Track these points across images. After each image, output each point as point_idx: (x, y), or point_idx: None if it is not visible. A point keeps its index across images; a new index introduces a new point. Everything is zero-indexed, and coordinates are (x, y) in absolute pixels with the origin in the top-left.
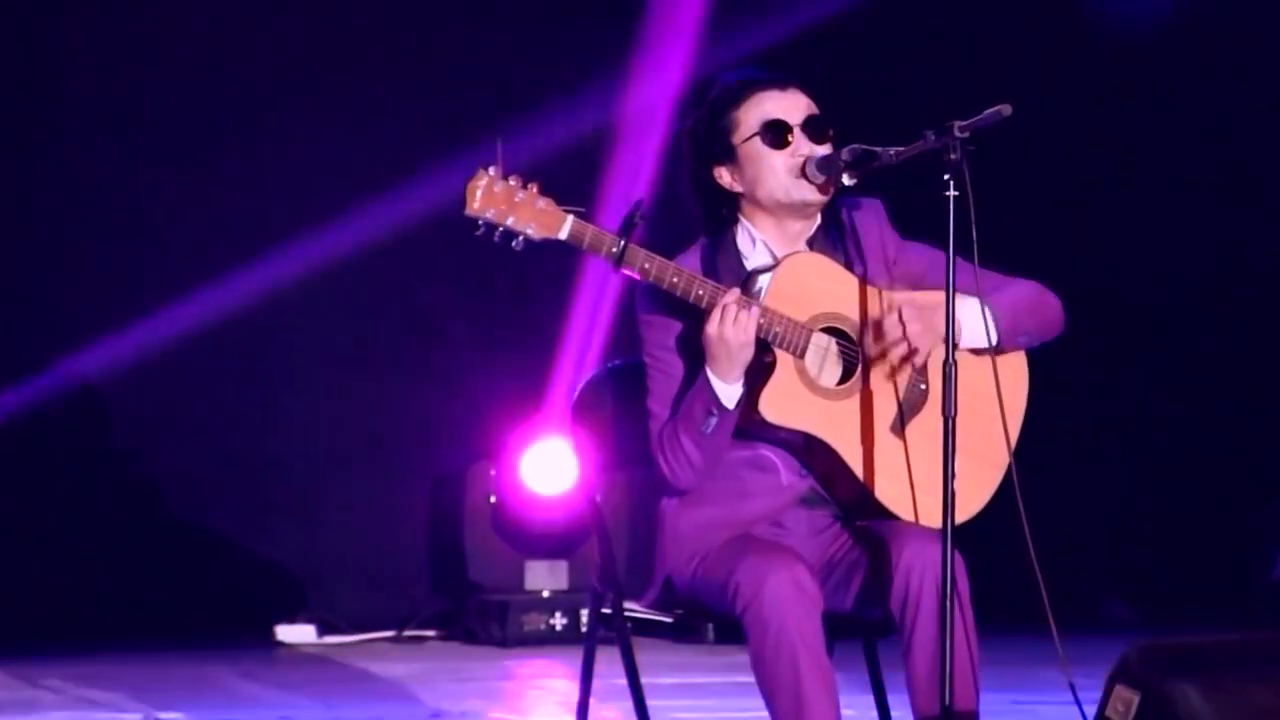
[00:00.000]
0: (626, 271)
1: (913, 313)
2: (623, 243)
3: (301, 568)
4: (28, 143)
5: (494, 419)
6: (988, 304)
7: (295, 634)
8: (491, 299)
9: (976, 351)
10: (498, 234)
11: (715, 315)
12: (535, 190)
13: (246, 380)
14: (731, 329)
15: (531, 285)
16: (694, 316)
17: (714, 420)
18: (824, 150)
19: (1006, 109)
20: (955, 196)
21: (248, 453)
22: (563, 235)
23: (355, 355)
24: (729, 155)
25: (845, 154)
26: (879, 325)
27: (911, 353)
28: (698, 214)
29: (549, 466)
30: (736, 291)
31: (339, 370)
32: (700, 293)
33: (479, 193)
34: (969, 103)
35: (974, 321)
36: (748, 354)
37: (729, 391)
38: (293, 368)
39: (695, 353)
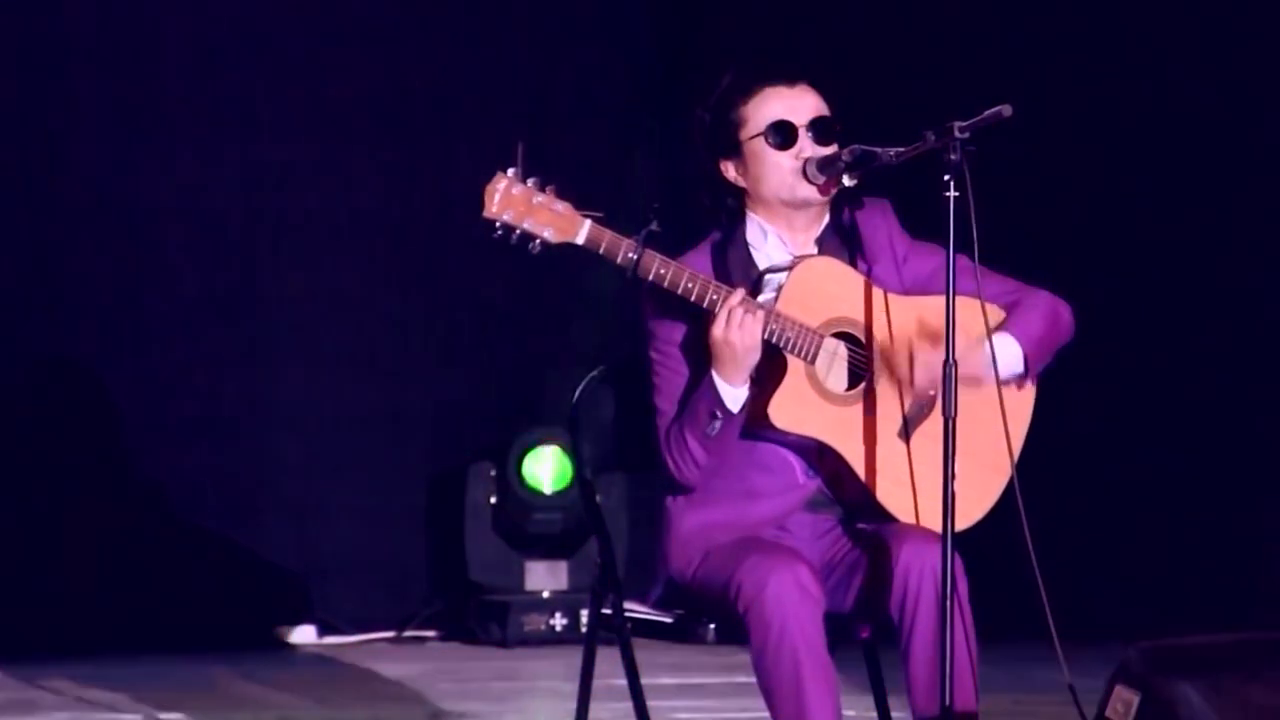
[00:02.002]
0: (642, 277)
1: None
2: (640, 248)
3: (301, 568)
4: (25, 139)
5: (495, 419)
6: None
7: (295, 634)
8: (493, 297)
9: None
10: (515, 236)
11: (721, 318)
12: (553, 193)
13: (246, 380)
14: (737, 332)
15: (533, 283)
16: (702, 315)
17: (719, 423)
18: (828, 151)
19: (1006, 109)
20: (955, 197)
21: (248, 453)
22: (580, 239)
23: (355, 355)
24: (735, 150)
25: (846, 155)
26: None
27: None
28: (705, 203)
29: (549, 466)
30: (742, 293)
31: (339, 369)
32: (714, 298)
33: (497, 195)
34: (969, 103)
35: (1007, 360)
36: (754, 357)
37: (734, 395)
38: (293, 367)
39: (702, 351)
